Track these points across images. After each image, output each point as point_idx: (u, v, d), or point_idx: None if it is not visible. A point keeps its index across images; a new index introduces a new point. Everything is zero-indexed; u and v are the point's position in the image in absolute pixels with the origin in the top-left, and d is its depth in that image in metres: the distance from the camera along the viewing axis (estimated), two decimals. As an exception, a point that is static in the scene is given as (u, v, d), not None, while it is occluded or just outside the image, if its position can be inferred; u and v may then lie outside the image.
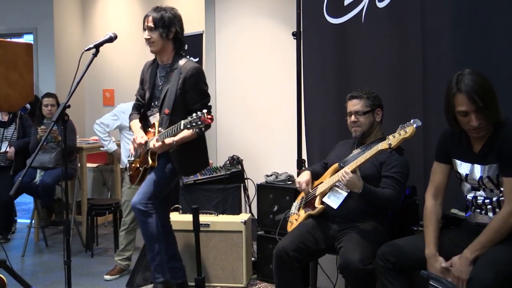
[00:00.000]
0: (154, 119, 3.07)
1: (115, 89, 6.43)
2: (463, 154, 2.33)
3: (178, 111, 2.95)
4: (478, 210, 2.31)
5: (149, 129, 3.09)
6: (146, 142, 2.99)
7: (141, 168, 3.08)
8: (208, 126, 2.77)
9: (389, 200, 2.66)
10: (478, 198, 2.30)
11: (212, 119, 2.67)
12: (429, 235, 2.33)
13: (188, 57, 3.15)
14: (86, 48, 2.61)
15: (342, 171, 2.60)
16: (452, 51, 2.91)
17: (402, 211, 2.89)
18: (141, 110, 3.19)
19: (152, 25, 2.96)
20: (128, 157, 3.29)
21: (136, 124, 3.15)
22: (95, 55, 2.59)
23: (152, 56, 3.18)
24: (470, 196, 2.33)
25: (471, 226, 2.32)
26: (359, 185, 2.57)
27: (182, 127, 2.72)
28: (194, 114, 2.66)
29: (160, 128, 2.98)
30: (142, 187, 3.01)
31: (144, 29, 3.02)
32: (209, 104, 3.04)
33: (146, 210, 2.94)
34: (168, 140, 2.85)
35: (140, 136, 3.01)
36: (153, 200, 2.96)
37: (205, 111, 2.66)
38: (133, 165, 3.20)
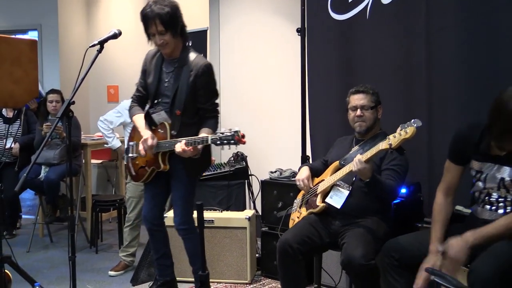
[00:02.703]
0: (158, 117, 2.90)
1: (120, 85, 6.43)
2: (484, 156, 2.25)
3: (188, 111, 2.86)
4: (488, 206, 2.27)
5: (158, 129, 2.91)
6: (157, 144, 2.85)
7: (147, 169, 2.95)
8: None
9: (391, 190, 2.66)
10: (492, 196, 2.26)
11: (244, 138, 2.57)
12: (436, 232, 2.31)
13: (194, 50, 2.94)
14: (90, 45, 2.59)
15: (356, 159, 2.53)
16: (457, 49, 2.90)
17: (406, 207, 2.88)
18: (143, 102, 3.02)
19: (163, 28, 2.74)
20: (129, 152, 3.09)
21: (140, 120, 2.94)
22: (99, 51, 2.57)
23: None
24: (482, 193, 2.29)
25: (477, 222, 2.27)
26: (369, 174, 2.55)
27: (209, 142, 2.62)
28: (226, 131, 2.53)
29: (173, 132, 2.84)
30: (175, 208, 2.99)
31: (152, 34, 2.79)
32: (216, 101, 2.97)
33: (190, 227, 2.98)
34: (200, 146, 2.70)
35: (150, 137, 2.83)
36: (192, 215, 2.97)
37: (238, 129, 2.53)
38: (136, 162, 3.03)
